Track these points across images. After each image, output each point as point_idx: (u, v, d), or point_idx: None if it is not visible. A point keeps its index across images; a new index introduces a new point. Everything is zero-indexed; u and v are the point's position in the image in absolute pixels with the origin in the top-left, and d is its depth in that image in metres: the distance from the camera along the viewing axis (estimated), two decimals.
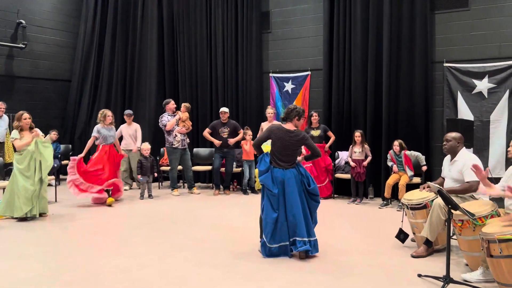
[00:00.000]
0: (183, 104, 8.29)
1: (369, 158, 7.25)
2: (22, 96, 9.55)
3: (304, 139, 4.54)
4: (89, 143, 7.21)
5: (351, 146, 7.37)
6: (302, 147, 5.31)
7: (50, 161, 6.17)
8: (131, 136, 8.53)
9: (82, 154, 7.07)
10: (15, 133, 6.04)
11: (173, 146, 7.95)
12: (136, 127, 8.62)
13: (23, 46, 9.56)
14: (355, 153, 7.27)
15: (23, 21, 9.53)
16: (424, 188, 4.74)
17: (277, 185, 4.42)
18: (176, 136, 7.92)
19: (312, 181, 4.54)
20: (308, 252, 4.37)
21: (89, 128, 9.93)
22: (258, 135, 8.28)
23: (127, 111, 8.68)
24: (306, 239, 4.35)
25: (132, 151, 8.43)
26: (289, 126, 4.55)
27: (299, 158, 4.73)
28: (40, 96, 9.99)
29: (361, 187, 7.29)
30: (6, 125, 8.39)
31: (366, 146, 7.29)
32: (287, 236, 4.42)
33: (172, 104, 8.14)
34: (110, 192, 7.23)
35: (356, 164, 7.20)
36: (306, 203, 4.46)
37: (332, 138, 7.62)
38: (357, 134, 7.26)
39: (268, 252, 4.41)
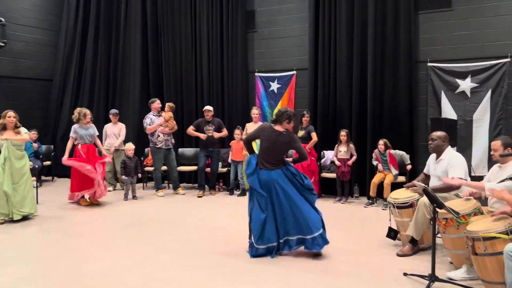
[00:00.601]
0: (167, 104, 8.19)
1: (354, 157, 7.27)
2: (2, 96, 9.32)
3: (292, 141, 4.54)
4: (69, 145, 7.05)
5: (336, 145, 7.39)
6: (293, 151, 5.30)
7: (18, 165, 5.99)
8: (115, 135, 8.39)
9: (65, 157, 6.93)
10: None
11: (156, 146, 7.88)
12: (121, 126, 8.50)
13: (3, 44, 9.32)
14: (340, 152, 7.29)
15: (2, 19, 9.29)
16: (409, 187, 4.77)
17: (263, 187, 4.39)
18: (159, 136, 7.84)
19: (304, 176, 4.53)
20: (314, 249, 4.36)
21: (71, 128, 9.74)
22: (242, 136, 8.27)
23: (113, 110, 8.54)
24: (303, 236, 4.36)
25: (116, 151, 8.30)
26: (278, 127, 4.54)
27: (288, 159, 4.70)
28: (21, 96, 9.76)
29: (346, 186, 7.31)
30: None
31: (351, 145, 7.31)
32: (275, 237, 4.40)
33: (157, 104, 8.05)
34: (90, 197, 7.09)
35: (341, 164, 7.22)
36: (304, 199, 4.43)
37: (313, 139, 7.50)
38: (343, 134, 7.27)
39: (255, 252, 4.39)
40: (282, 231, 4.42)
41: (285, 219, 4.39)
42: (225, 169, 8.29)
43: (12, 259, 4.42)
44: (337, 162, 7.26)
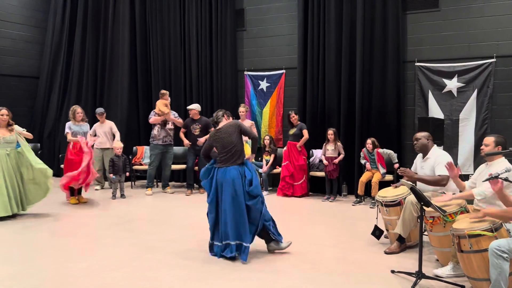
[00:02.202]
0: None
1: (341, 156, 7.31)
2: None
3: (237, 124, 4.47)
4: (69, 138, 7.04)
5: (324, 144, 7.43)
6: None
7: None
8: (106, 134, 8.30)
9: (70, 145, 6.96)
10: None
11: (153, 142, 7.85)
12: (111, 124, 8.40)
13: None
14: (328, 151, 7.33)
15: None
16: (397, 186, 4.81)
17: (217, 188, 4.33)
18: (157, 130, 7.83)
19: (254, 180, 4.35)
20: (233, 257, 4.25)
21: (59, 126, 9.64)
22: None
23: (99, 110, 8.43)
24: (231, 242, 4.25)
25: (106, 150, 8.21)
26: (220, 125, 4.53)
27: (248, 156, 4.61)
28: (6, 93, 9.61)
29: (335, 185, 7.35)
30: None
31: (339, 143, 7.35)
32: (220, 238, 4.34)
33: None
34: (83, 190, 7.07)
35: (328, 162, 7.26)
36: (244, 206, 4.27)
37: (305, 136, 7.58)
38: (330, 132, 7.31)
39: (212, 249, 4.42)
40: (224, 234, 4.30)
41: (226, 223, 4.28)
42: None
43: (0, 257, 4.37)
44: (324, 161, 7.29)
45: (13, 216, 5.98)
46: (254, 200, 4.32)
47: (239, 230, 4.27)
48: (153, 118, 7.87)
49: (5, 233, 5.32)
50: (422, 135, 4.64)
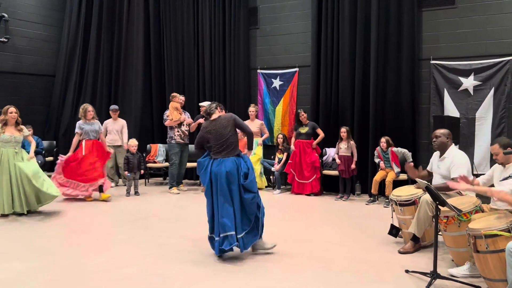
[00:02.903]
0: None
1: (355, 158, 7.25)
2: (5, 92, 9.34)
3: (232, 118, 4.39)
4: (74, 141, 7.07)
5: (337, 142, 7.39)
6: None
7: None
8: (117, 132, 8.40)
9: (69, 154, 6.97)
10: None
11: (171, 141, 7.88)
12: (123, 123, 8.49)
13: (6, 40, 9.33)
14: (341, 149, 7.29)
15: (5, 15, 9.30)
16: (418, 187, 4.72)
17: (212, 180, 4.29)
18: (178, 131, 7.86)
19: (250, 175, 4.28)
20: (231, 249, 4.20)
21: (74, 123, 9.73)
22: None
23: (113, 106, 8.54)
24: (229, 233, 4.17)
25: (118, 147, 8.32)
26: (214, 117, 4.46)
27: (245, 151, 4.57)
28: (24, 91, 9.77)
29: (348, 184, 7.31)
30: None
31: (352, 142, 7.30)
32: (217, 232, 4.26)
33: (178, 99, 8.01)
34: (103, 188, 7.14)
35: (341, 161, 7.22)
36: (239, 198, 4.23)
37: (321, 135, 7.61)
38: (343, 130, 7.27)
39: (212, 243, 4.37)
40: (221, 227, 4.22)
41: (222, 216, 4.22)
42: None
43: (15, 253, 4.44)
44: (337, 160, 7.26)
45: (28, 213, 6.06)
46: (250, 194, 4.25)
47: (235, 221, 4.21)
48: (168, 122, 7.88)
49: (20, 229, 5.42)
50: (442, 132, 4.54)
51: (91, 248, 4.61)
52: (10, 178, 5.86)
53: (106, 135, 8.36)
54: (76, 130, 7.11)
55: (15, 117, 5.99)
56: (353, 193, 7.57)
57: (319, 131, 7.60)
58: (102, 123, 7.85)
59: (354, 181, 7.55)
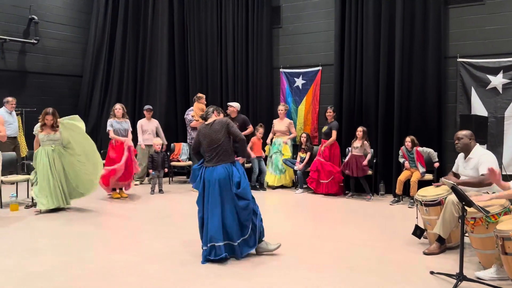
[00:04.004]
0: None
1: (369, 155, 7.20)
2: (34, 92, 9.64)
3: (225, 123, 4.24)
4: (112, 135, 7.23)
5: (352, 141, 7.34)
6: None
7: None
8: (151, 132, 8.56)
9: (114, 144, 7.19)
10: (36, 126, 6.34)
11: (192, 142, 7.98)
12: (156, 123, 8.65)
13: (35, 41, 9.63)
14: (354, 149, 7.24)
15: (35, 17, 9.60)
16: (438, 185, 4.67)
17: (205, 188, 4.23)
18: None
19: (242, 182, 4.21)
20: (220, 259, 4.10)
21: (101, 123, 10.00)
22: (270, 133, 8.30)
23: (147, 106, 8.69)
24: (217, 244, 4.10)
25: (151, 147, 8.43)
26: (209, 121, 4.39)
27: (238, 158, 4.49)
28: (52, 91, 10.06)
29: (364, 183, 7.26)
30: (17, 120, 8.46)
31: (366, 142, 7.23)
32: (205, 241, 4.19)
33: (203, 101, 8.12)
34: (123, 188, 7.33)
35: (352, 160, 7.20)
36: (232, 207, 4.17)
37: (332, 138, 7.46)
38: (359, 129, 7.23)
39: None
40: (209, 236, 4.15)
41: (213, 224, 4.15)
42: (249, 165, 8.30)
43: (46, 247, 4.59)
44: (347, 158, 7.27)
45: (59, 210, 6.26)
46: (244, 201, 4.18)
47: (226, 230, 4.14)
48: (194, 123, 8.00)
49: (51, 226, 5.60)
50: (464, 134, 4.48)
51: (118, 245, 4.72)
52: (51, 174, 6.18)
53: (142, 134, 8.50)
54: (108, 127, 7.31)
55: (51, 122, 6.29)
56: (376, 193, 7.50)
57: (333, 133, 7.48)
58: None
59: (378, 181, 7.49)
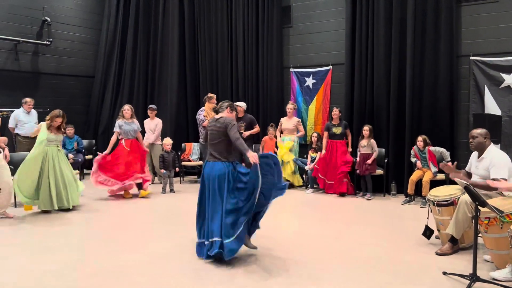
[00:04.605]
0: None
1: (375, 153, 7.18)
2: (47, 92, 9.75)
3: (226, 125, 4.16)
4: (113, 139, 7.29)
5: (359, 140, 7.33)
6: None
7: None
8: (152, 131, 8.59)
9: (107, 151, 7.19)
10: (43, 125, 6.32)
11: (202, 142, 8.02)
12: (157, 122, 8.67)
13: (48, 43, 9.74)
14: (361, 147, 7.24)
15: (48, 19, 9.71)
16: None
17: (204, 183, 4.23)
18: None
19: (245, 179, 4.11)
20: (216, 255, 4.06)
21: (112, 123, 10.06)
22: (277, 130, 8.30)
23: (151, 106, 8.75)
24: (215, 239, 4.06)
25: (151, 145, 8.48)
26: (219, 115, 4.38)
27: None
28: (65, 92, 10.17)
29: (369, 182, 7.25)
30: (35, 120, 8.62)
31: (372, 140, 7.22)
32: (206, 236, 4.19)
33: (214, 101, 8.13)
34: (142, 186, 7.33)
35: (360, 159, 7.18)
36: (227, 203, 4.10)
37: (349, 137, 7.55)
38: (365, 128, 7.24)
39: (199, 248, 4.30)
40: (209, 231, 4.14)
41: (211, 219, 4.15)
42: None
43: (55, 248, 4.64)
44: (357, 158, 7.23)
45: (69, 210, 6.32)
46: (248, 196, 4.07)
47: (221, 227, 4.08)
48: (206, 122, 8.03)
49: (64, 225, 5.66)
50: (478, 132, 4.41)
51: (129, 244, 4.75)
52: (55, 174, 6.21)
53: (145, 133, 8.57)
54: (115, 129, 7.33)
55: (58, 124, 6.33)
56: (388, 193, 7.44)
57: (348, 132, 7.56)
58: (141, 123, 8.05)
59: (389, 181, 7.44)
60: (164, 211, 6.35)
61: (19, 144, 8.28)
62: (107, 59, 10.50)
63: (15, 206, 6.54)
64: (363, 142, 7.25)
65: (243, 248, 4.37)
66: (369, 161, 7.12)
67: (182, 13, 9.83)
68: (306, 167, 7.92)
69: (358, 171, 7.27)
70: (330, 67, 8.37)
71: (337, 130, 7.54)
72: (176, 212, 6.32)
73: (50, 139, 6.30)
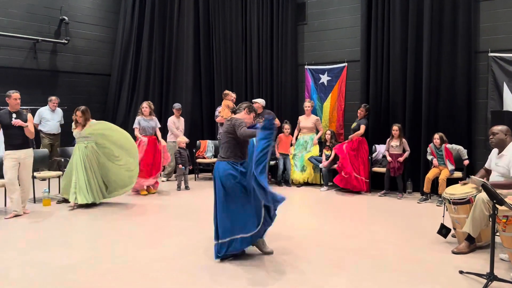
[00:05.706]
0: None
1: (407, 153, 7.07)
2: (65, 90, 9.90)
3: (234, 125, 4.10)
4: (136, 134, 7.38)
5: (388, 139, 7.21)
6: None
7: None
8: (181, 130, 8.71)
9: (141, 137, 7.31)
10: (74, 124, 6.70)
11: (218, 138, 8.09)
12: (182, 121, 8.80)
13: (66, 41, 9.89)
14: (392, 147, 7.12)
15: (66, 18, 9.86)
16: (465, 183, 4.56)
17: (215, 182, 4.19)
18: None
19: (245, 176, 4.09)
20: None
21: (129, 120, 10.18)
22: (296, 129, 8.29)
23: (176, 105, 8.81)
24: (235, 236, 4.06)
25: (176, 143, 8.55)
26: (235, 116, 4.35)
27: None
28: (82, 90, 10.32)
29: (399, 182, 7.13)
30: (60, 117, 8.84)
31: (404, 140, 7.11)
32: (217, 236, 4.17)
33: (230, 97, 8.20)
34: (155, 185, 7.48)
35: (392, 159, 7.05)
36: (237, 201, 4.08)
37: (360, 131, 7.42)
38: (395, 128, 7.09)
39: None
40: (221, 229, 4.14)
41: (222, 219, 4.13)
42: (274, 162, 8.30)
43: (77, 242, 4.74)
44: (388, 158, 7.10)
45: (89, 206, 6.43)
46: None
47: (233, 225, 4.06)
48: (219, 118, 8.10)
49: (81, 221, 5.77)
50: (499, 129, 4.34)
51: (145, 240, 4.81)
52: (84, 169, 6.37)
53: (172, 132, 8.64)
54: (135, 125, 7.49)
55: (80, 119, 6.53)
56: (404, 191, 7.37)
57: (362, 127, 7.44)
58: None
59: (405, 179, 7.35)
60: (179, 208, 6.41)
61: (42, 140, 8.53)
62: (123, 57, 10.61)
63: (34, 202, 6.68)
64: (394, 142, 7.14)
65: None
66: (401, 159, 7.02)
67: (197, 12, 9.87)
68: (321, 165, 7.89)
69: (390, 172, 7.11)
70: (345, 64, 8.32)
71: (353, 125, 7.57)
72: (191, 209, 6.37)
73: (76, 136, 6.57)
